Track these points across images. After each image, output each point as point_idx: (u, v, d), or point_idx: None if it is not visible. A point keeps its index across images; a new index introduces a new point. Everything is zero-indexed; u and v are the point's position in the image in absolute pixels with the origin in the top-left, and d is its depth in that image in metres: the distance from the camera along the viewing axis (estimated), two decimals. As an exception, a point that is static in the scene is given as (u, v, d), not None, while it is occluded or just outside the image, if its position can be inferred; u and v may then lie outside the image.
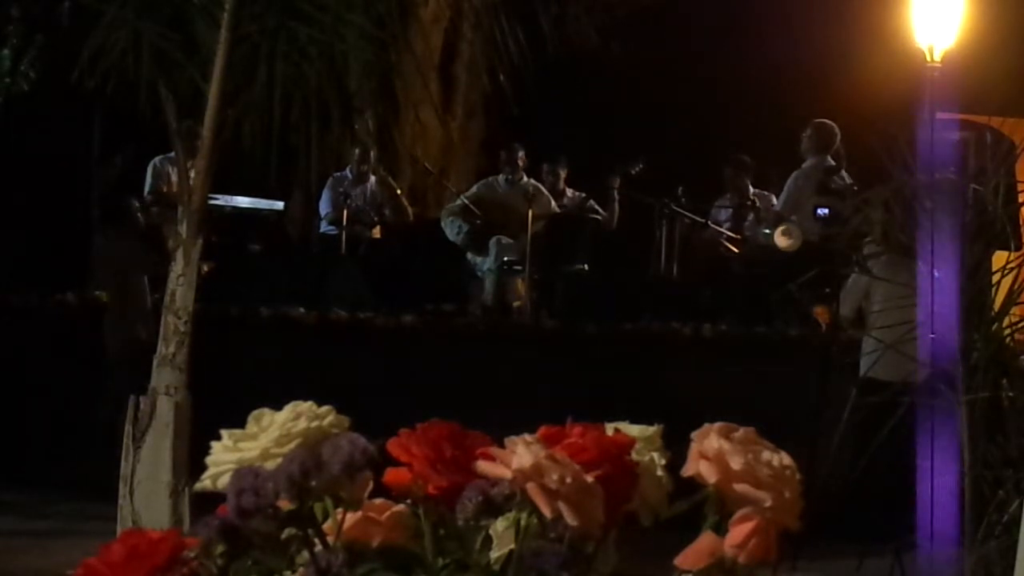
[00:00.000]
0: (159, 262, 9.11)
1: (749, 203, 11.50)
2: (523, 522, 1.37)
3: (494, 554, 1.42)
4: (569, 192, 12.16)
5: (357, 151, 11.28)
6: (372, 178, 11.90)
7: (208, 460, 1.49)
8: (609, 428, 1.50)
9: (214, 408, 3.34)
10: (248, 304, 9.85)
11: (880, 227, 6.58)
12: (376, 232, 11.92)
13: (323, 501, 1.39)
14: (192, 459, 5.32)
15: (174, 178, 10.69)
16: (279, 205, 12.09)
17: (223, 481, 1.42)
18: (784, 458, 1.45)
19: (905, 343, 5.30)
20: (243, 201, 11.67)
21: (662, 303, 10.09)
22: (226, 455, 1.47)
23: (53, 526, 8.18)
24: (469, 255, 11.64)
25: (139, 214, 10.07)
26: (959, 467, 4.91)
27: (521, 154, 11.83)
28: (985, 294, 5.21)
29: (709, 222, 11.52)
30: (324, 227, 11.87)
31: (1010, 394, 5.04)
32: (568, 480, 1.35)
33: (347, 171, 11.72)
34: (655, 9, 13.36)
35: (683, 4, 13.38)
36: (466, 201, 11.69)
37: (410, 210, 12.15)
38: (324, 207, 11.82)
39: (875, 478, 5.76)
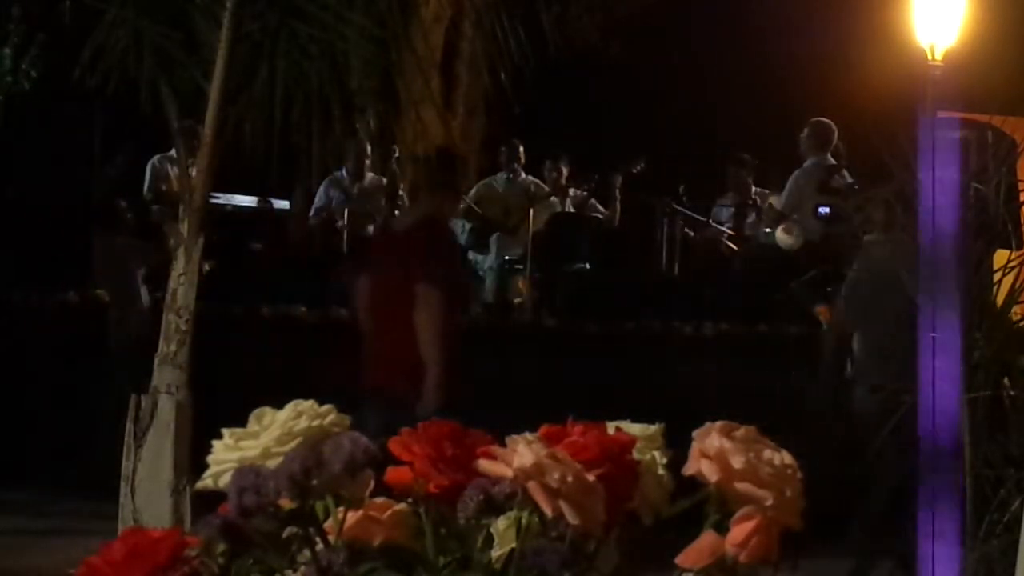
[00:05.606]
0: (153, 258, 9.13)
1: (750, 202, 11.50)
2: (524, 521, 1.37)
3: (495, 553, 1.41)
4: (571, 191, 12.15)
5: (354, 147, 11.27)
6: (368, 175, 11.89)
7: (209, 459, 1.48)
8: (610, 427, 1.50)
9: (215, 407, 3.34)
10: (249, 303, 9.85)
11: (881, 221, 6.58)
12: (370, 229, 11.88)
13: (324, 500, 1.39)
14: (193, 458, 5.32)
15: (173, 177, 10.69)
16: (282, 204, 12.08)
17: (224, 480, 1.42)
18: (785, 457, 1.45)
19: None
20: (244, 200, 11.66)
21: (663, 302, 10.08)
22: (227, 454, 1.46)
23: (55, 525, 8.18)
24: (470, 253, 11.63)
25: (128, 214, 10.07)
26: (961, 466, 4.91)
27: (520, 151, 11.83)
28: (986, 293, 5.21)
29: (710, 221, 11.51)
30: (312, 221, 11.83)
31: (1011, 392, 5.04)
32: (569, 479, 1.35)
33: (343, 171, 11.71)
34: (656, 9, 13.36)
35: (684, 3, 13.38)
36: (467, 200, 11.68)
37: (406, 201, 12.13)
38: (317, 204, 11.81)
39: (873, 478, 5.76)
